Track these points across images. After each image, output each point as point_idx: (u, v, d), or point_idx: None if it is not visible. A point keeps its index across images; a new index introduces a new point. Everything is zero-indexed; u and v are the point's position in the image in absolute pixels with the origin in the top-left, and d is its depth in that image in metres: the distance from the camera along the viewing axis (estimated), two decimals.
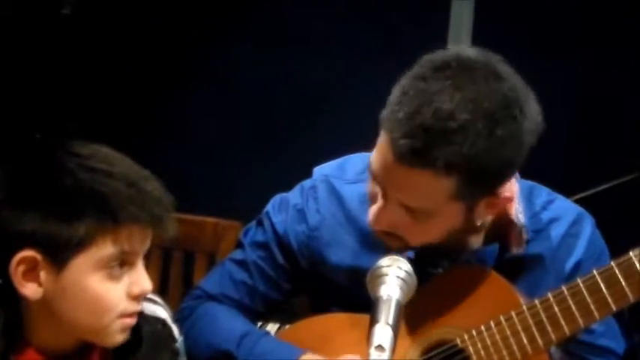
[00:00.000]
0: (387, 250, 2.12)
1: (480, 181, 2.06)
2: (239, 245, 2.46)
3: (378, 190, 2.16)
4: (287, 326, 2.42)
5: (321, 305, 2.41)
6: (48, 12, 2.67)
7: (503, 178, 2.10)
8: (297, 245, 2.37)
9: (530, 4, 3.07)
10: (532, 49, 2.95)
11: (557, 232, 2.29)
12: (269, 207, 2.44)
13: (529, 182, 2.32)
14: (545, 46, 3.05)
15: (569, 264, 2.28)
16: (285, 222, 2.39)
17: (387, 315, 1.75)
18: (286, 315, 2.45)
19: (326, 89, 3.17)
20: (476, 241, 2.27)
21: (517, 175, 2.27)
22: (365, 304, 2.09)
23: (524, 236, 2.25)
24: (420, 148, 2.00)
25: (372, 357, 1.70)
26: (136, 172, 1.91)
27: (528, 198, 2.29)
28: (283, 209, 2.41)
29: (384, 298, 1.78)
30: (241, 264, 2.43)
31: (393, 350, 1.73)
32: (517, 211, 2.25)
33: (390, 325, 1.74)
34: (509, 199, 2.18)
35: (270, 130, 2.82)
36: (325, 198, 2.37)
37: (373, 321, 1.76)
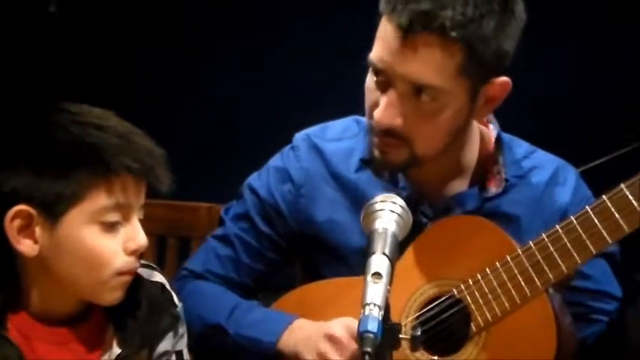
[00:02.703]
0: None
1: (481, 56, 2.03)
2: (221, 222, 2.41)
3: (378, 94, 2.10)
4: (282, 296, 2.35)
5: (312, 271, 2.34)
6: (35, 10, 2.63)
7: (501, 60, 2.08)
8: (286, 205, 2.32)
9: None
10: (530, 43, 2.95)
11: (538, 179, 2.26)
12: (248, 179, 2.39)
13: (509, 135, 2.29)
14: (542, 41, 3.03)
15: (555, 211, 2.23)
16: (268, 184, 2.34)
17: (383, 245, 1.68)
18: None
19: (321, 85, 3.14)
20: (459, 184, 2.25)
21: (497, 124, 2.27)
22: (353, 264, 2.15)
23: (503, 175, 2.22)
24: (427, 11, 1.99)
25: (369, 285, 1.61)
26: (126, 126, 1.88)
27: (509, 147, 2.27)
28: (263, 174, 2.37)
29: (380, 230, 1.71)
30: (223, 239, 2.37)
31: (391, 280, 1.65)
32: (497, 154, 2.24)
33: (387, 255, 1.66)
34: (507, 85, 2.13)
35: (264, 118, 2.79)
36: (307, 155, 2.33)
37: (369, 253, 1.68)
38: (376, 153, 2.16)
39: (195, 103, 3.29)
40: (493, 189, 2.23)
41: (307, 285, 2.33)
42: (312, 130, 2.37)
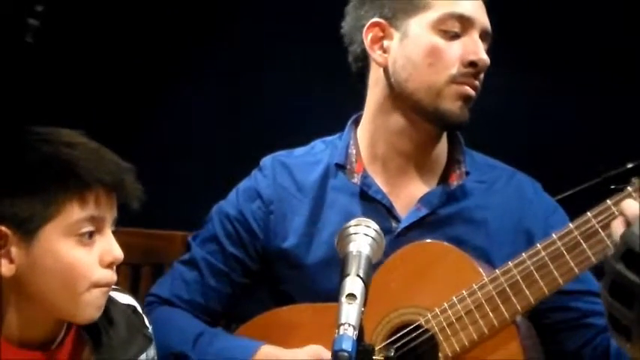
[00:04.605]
0: (343, 212, 2.19)
1: None
2: (188, 248, 2.37)
3: (457, 44, 2.16)
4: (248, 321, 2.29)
5: (278, 293, 2.29)
6: (10, 39, 2.58)
7: None
8: (256, 222, 2.29)
9: (511, 22, 3.01)
10: (517, 65, 2.93)
11: (503, 187, 2.26)
12: (216, 205, 2.36)
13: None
14: (527, 61, 3.01)
15: (522, 219, 2.21)
16: (237, 203, 2.31)
17: (357, 268, 1.63)
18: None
19: (298, 113, 3.08)
20: (428, 184, 2.25)
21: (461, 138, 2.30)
22: (312, 275, 2.15)
23: (463, 169, 2.24)
24: None
25: (343, 306, 1.57)
26: (94, 144, 1.85)
27: (471, 155, 2.30)
28: (232, 196, 2.34)
29: (354, 253, 1.66)
30: (190, 263, 2.33)
31: (365, 302, 1.60)
32: (456, 150, 2.27)
33: (361, 277, 1.61)
34: None
35: (240, 148, 2.75)
36: (274, 171, 2.32)
37: (343, 275, 1.63)
38: (458, 105, 2.16)
39: (171, 130, 3.24)
40: (455, 182, 2.23)
41: (273, 311, 2.27)
42: (278, 153, 2.37)
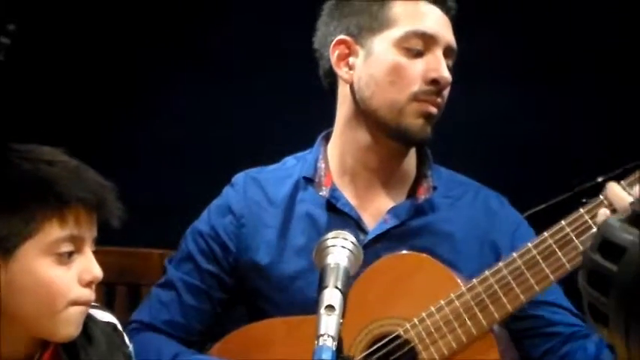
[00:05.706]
0: (312, 224, 2.21)
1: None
2: (164, 271, 2.35)
3: (420, 61, 2.16)
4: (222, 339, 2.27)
5: (255, 308, 2.28)
6: None
7: None
8: (228, 237, 2.27)
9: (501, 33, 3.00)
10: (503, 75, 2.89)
11: (468, 202, 2.26)
12: (188, 228, 2.36)
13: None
14: (514, 73, 3.02)
15: (488, 232, 2.21)
16: (209, 220, 2.30)
17: (335, 279, 1.62)
18: None
19: (273, 131, 3.07)
20: (396, 197, 2.25)
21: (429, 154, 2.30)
22: (293, 293, 2.16)
23: (431, 183, 2.24)
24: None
25: (322, 317, 1.56)
26: (75, 161, 1.82)
27: (439, 171, 2.30)
28: (204, 215, 2.33)
29: (332, 265, 1.65)
30: (167, 285, 2.31)
31: (343, 313, 1.59)
32: (424, 165, 2.27)
33: (339, 289, 1.60)
34: None
35: (215, 166, 2.73)
36: (245, 186, 2.31)
37: (321, 287, 1.62)
38: (420, 122, 2.16)
39: (150, 148, 3.20)
40: (422, 196, 2.24)
41: (249, 325, 2.25)
42: (250, 169, 2.37)
